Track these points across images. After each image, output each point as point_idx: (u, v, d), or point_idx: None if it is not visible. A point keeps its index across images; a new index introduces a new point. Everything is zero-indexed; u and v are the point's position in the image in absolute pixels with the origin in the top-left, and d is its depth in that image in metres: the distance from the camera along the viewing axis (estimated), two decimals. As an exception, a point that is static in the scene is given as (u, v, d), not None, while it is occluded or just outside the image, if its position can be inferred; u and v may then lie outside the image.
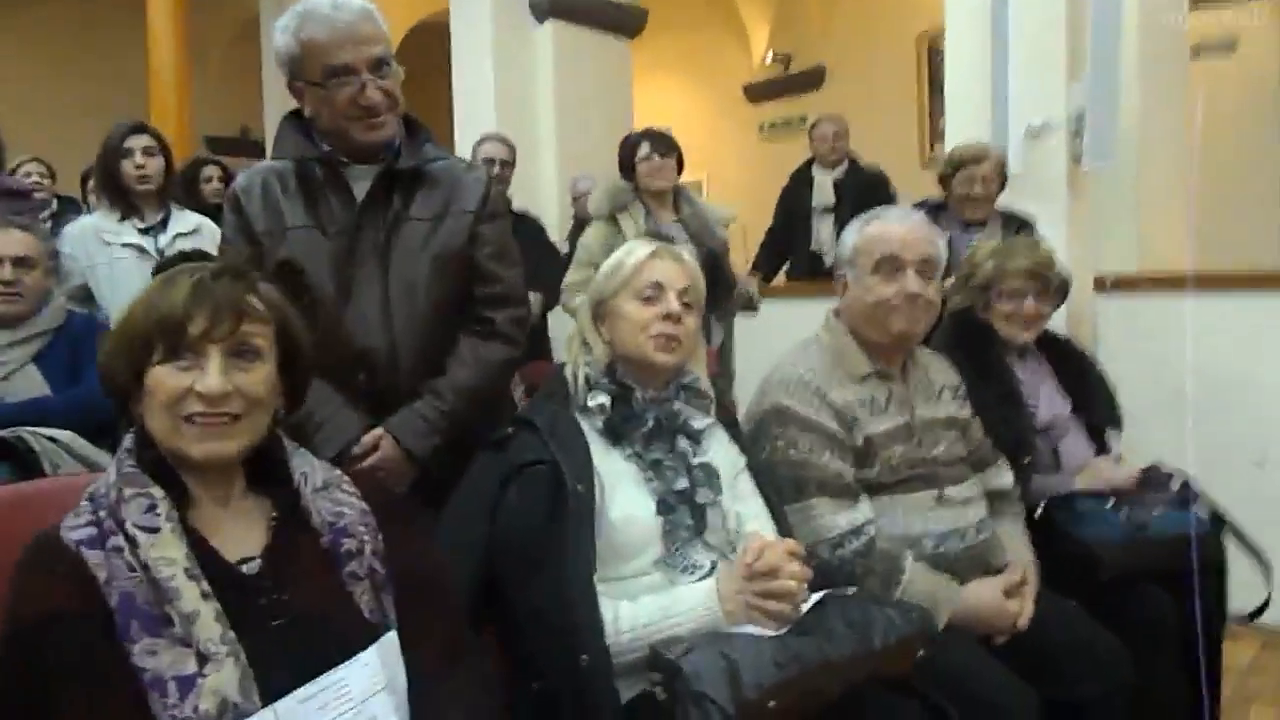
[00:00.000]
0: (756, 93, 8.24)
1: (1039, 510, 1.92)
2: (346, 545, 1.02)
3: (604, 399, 1.37)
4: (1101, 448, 2.12)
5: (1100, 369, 2.21)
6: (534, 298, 3.39)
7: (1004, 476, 1.81)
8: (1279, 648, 2.71)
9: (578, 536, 1.23)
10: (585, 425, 1.37)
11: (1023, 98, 3.34)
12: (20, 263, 2.18)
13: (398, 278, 1.57)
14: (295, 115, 1.62)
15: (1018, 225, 2.93)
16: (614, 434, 1.36)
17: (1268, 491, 2.81)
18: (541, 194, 5.23)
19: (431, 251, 1.59)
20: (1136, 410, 2.32)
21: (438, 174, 1.64)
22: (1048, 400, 2.10)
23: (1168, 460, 2.47)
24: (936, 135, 7.13)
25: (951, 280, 2.21)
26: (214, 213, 4.24)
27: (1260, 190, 5.16)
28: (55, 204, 3.90)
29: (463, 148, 5.08)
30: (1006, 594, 1.55)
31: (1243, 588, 1.95)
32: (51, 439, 1.98)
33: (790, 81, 8.00)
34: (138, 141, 2.69)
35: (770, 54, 8.02)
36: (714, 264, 2.88)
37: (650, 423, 1.37)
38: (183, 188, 4.18)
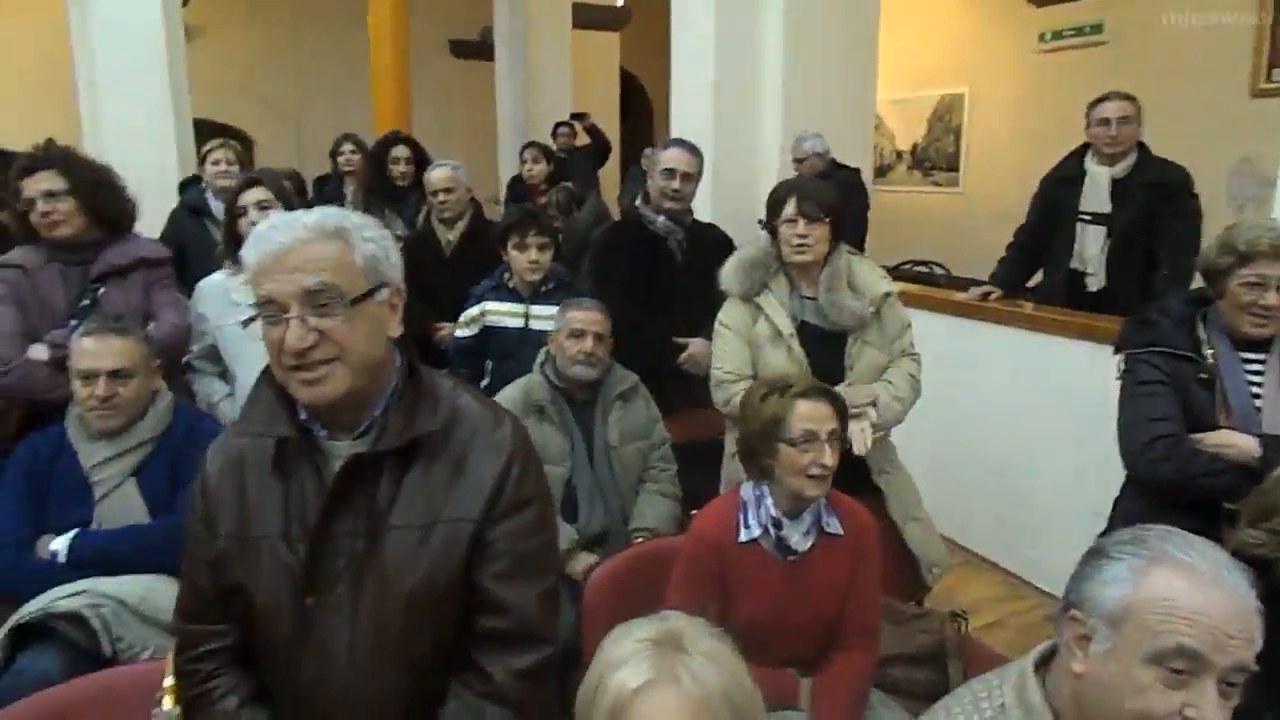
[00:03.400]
0: (1041, -8, 6.83)
1: None
2: None
3: None
4: None
5: None
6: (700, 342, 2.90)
7: None
8: None
9: None
10: None
11: None
12: (117, 375, 2.03)
13: (369, 615, 1.18)
14: None
15: None
16: None
17: None
18: (764, 132, 4.63)
19: (411, 581, 1.17)
20: None
21: (436, 452, 1.21)
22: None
23: None
24: (1278, 56, 5.54)
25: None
26: (403, 195, 4.10)
27: None
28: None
29: (679, 104, 4.62)
30: None
31: None
32: (119, 600, 1.86)
33: (1086, -21, 6.53)
34: (251, 197, 2.46)
35: (1063, -56, 6.58)
36: None
37: None
38: (373, 169, 4.04)
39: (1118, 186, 3.28)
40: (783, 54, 4.43)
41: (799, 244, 2.33)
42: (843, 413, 1.84)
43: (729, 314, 2.44)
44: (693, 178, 3.01)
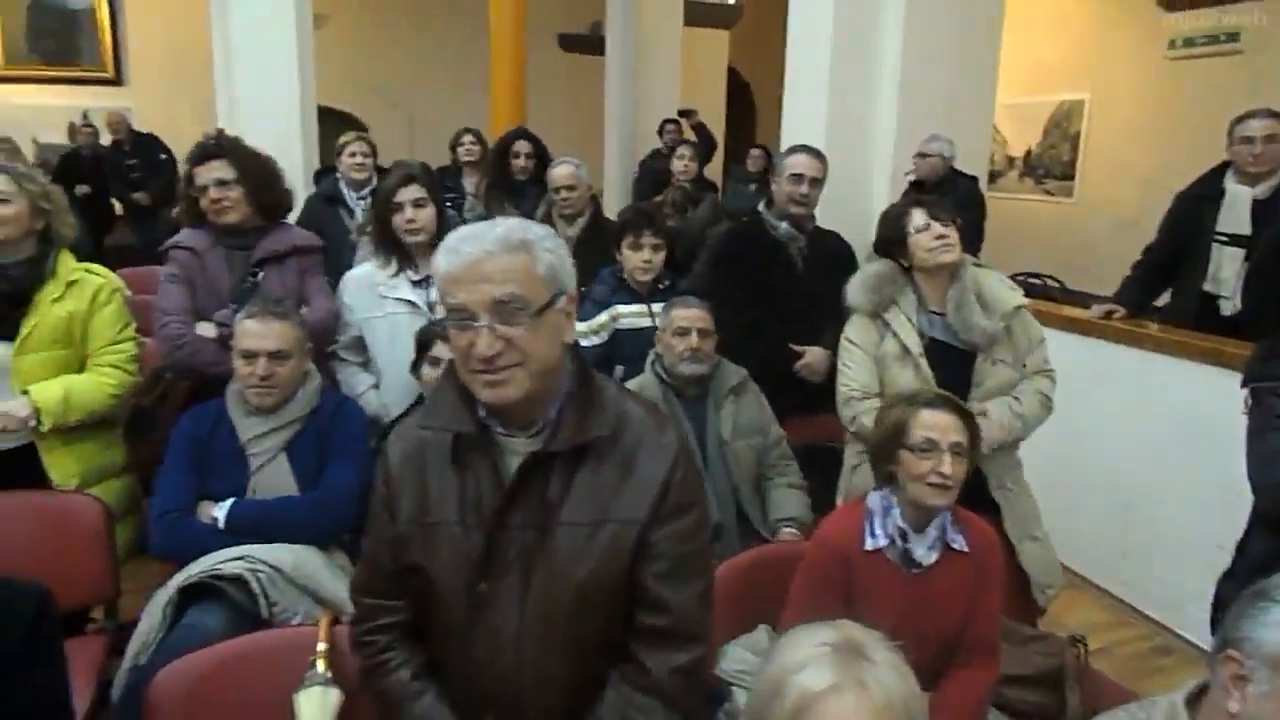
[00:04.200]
0: (1174, -4, 6.58)
1: None
2: None
3: None
4: None
5: None
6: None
7: None
8: None
9: None
10: None
11: None
12: (276, 355, 2.17)
13: (538, 604, 1.25)
14: None
15: None
16: None
17: None
18: (877, 135, 4.56)
19: (579, 575, 1.25)
20: None
21: (605, 454, 1.27)
22: None
23: None
24: None
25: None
26: (522, 185, 4.20)
27: None
28: (376, 180, 4.03)
29: (791, 104, 4.61)
30: None
31: None
32: (274, 566, 1.99)
33: (1225, -16, 6.26)
34: (408, 194, 2.57)
35: (1202, -54, 6.32)
36: None
37: None
38: (497, 163, 4.16)
39: (1260, 207, 3.17)
40: (901, 56, 4.38)
41: (941, 244, 2.31)
42: (972, 427, 1.84)
43: (856, 331, 2.44)
44: (819, 183, 3.02)
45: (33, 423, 2.23)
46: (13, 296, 2.26)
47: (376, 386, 2.62)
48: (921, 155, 4.20)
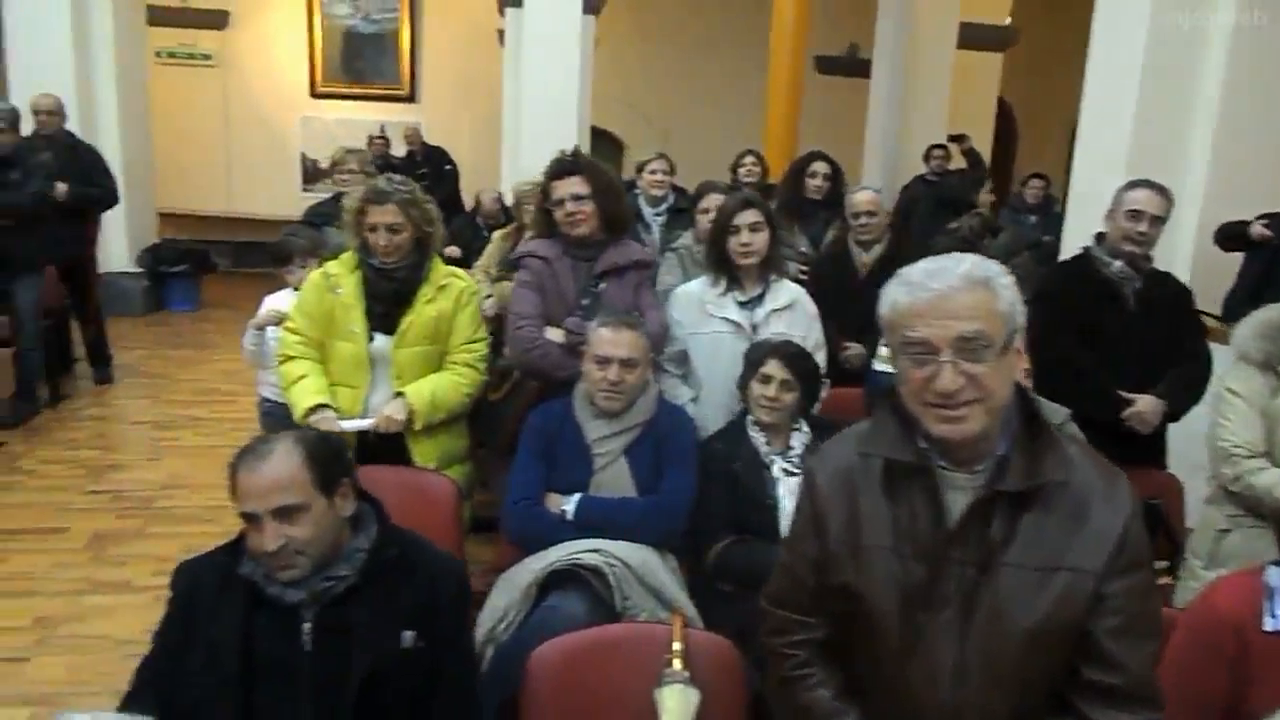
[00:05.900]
0: None
1: None
2: None
3: None
4: None
5: None
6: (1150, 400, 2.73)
7: None
8: None
9: None
10: None
11: None
12: (626, 363, 2.30)
13: (980, 641, 1.23)
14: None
15: None
16: None
17: None
18: (1186, 174, 4.20)
19: (1030, 620, 1.21)
20: None
21: (1055, 500, 1.23)
22: None
23: None
24: None
25: None
26: (812, 207, 4.22)
27: None
28: (672, 198, 4.20)
29: (1089, 135, 4.34)
30: None
31: None
32: (625, 563, 2.10)
33: None
34: (746, 218, 2.65)
35: None
36: None
37: None
38: (789, 184, 4.22)
39: None
40: (1222, 84, 4.01)
41: None
42: None
43: (1242, 382, 2.25)
44: (1160, 221, 2.82)
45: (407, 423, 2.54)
46: (397, 296, 2.55)
47: (695, 400, 2.70)
48: None
